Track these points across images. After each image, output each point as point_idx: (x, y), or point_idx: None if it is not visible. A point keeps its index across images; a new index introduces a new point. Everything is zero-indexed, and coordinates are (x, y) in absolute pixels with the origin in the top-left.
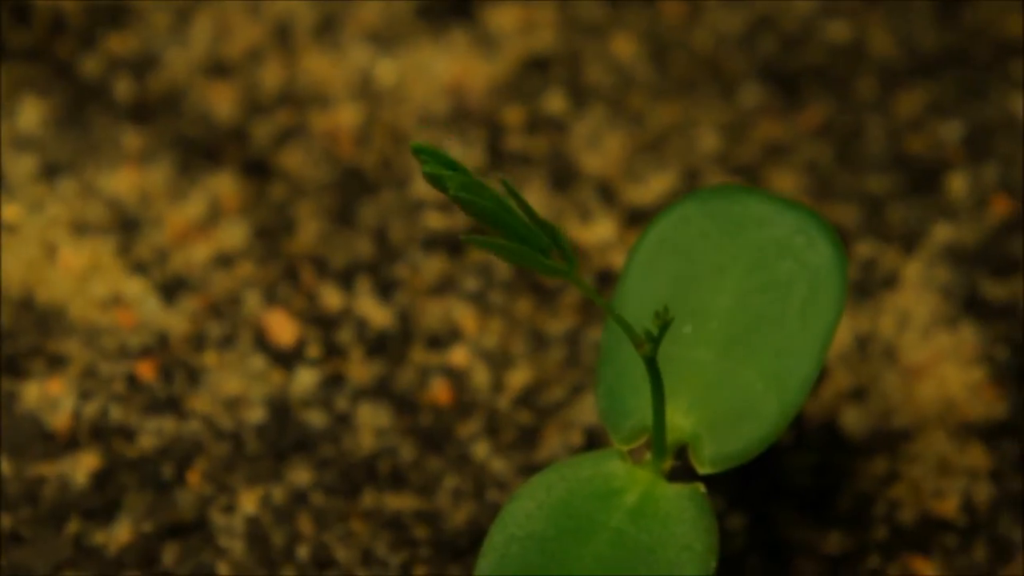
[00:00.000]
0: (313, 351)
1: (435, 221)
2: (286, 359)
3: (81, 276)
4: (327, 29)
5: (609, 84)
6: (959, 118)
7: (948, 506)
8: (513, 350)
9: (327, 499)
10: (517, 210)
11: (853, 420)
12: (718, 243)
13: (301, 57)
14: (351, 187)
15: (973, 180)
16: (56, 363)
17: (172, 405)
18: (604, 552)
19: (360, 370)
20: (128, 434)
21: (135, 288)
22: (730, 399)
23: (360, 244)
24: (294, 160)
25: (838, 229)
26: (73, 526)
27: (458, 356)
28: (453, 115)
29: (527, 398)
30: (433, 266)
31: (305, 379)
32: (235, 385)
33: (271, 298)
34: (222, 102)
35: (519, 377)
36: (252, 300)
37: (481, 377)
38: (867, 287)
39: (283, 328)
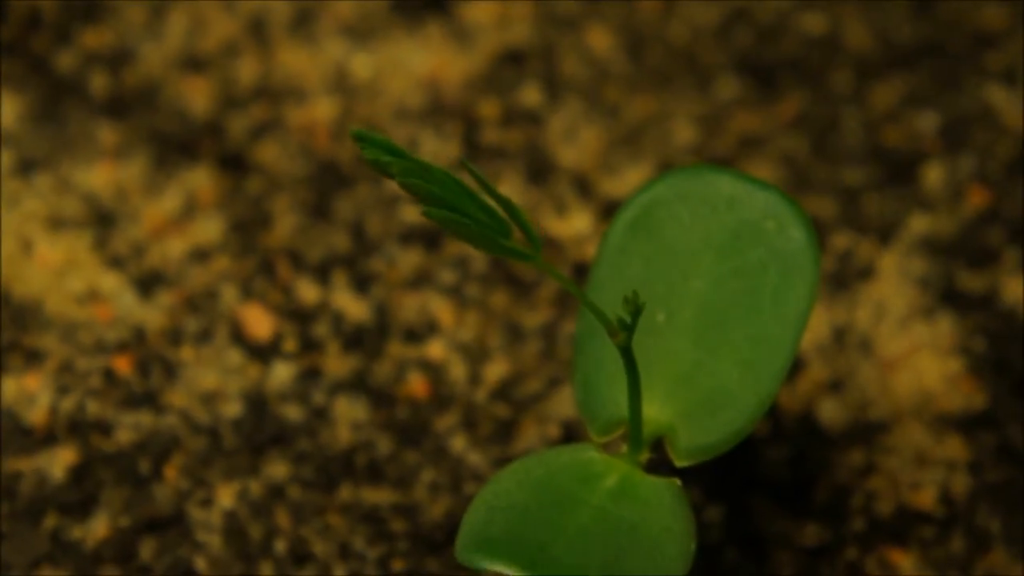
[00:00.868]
0: (290, 345)
1: (411, 215)
2: (263, 353)
3: (57, 271)
4: (302, 23)
5: (585, 77)
6: (935, 109)
7: (925, 498)
8: (490, 343)
9: (304, 493)
10: (477, 195)
11: (830, 412)
12: (690, 226)
13: (276, 51)
14: (327, 181)
15: (949, 171)
16: (33, 358)
17: (149, 399)
18: (587, 524)
19: (337, 364)
20: (105, 429)
21: (111, 283)
22: (705, 390)
23: (336, 238)
24: (270, 154)
25: (814, 221)
26: (50, 521)
27: (435, 349)
28: (429, 109)
29: (504, 391)
30: (409, 260)
31: (282, 373)
32: (212, 379)
33: (247, 292)
34: (197, 97)
35: (496, 370)
36: (228, 294)
37: (458, 370)
38: (843, 279)
39: (259, 322)
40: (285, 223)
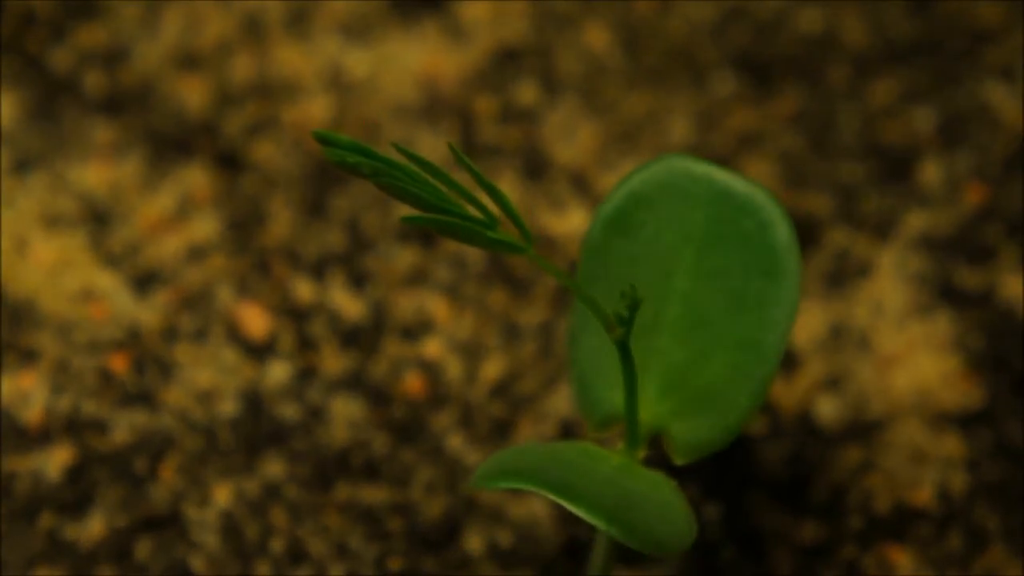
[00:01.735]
0: (286, 344)
1: (407, 213)
2: (259, 352)
3: (52, 270)
4: (298, 21)
5: (581, 74)
6: (932, 106)
7: (923, 495)
8: (487, 342)
9: (301, 492)
10: (460, 188)
11: (828, 410)
12: (668, 224)
13: (272, 49)
14: (323, 179)
15: (947, 168)
16: (28, 357)
17: (145, 398)
18: (604, 476)
19: (333, 362)
20: (101, 428)
21: (107, 281)
22: (696, 387)
23: (332, 236)
24: (265, 152)
25: (812, 218)
26: (46, 520)
27: (431, 348)
28: (425, 106)
29: (501, 390)
30: (406, 258)
31: (278, 372)
32: (208, 378)
33: (243, 291)
34: (193, 95)
35: (493, 369)
36: (224, 293)
37: (455, 369)
38: (841, 276)
39: (255, 321)
40: (281, 221)
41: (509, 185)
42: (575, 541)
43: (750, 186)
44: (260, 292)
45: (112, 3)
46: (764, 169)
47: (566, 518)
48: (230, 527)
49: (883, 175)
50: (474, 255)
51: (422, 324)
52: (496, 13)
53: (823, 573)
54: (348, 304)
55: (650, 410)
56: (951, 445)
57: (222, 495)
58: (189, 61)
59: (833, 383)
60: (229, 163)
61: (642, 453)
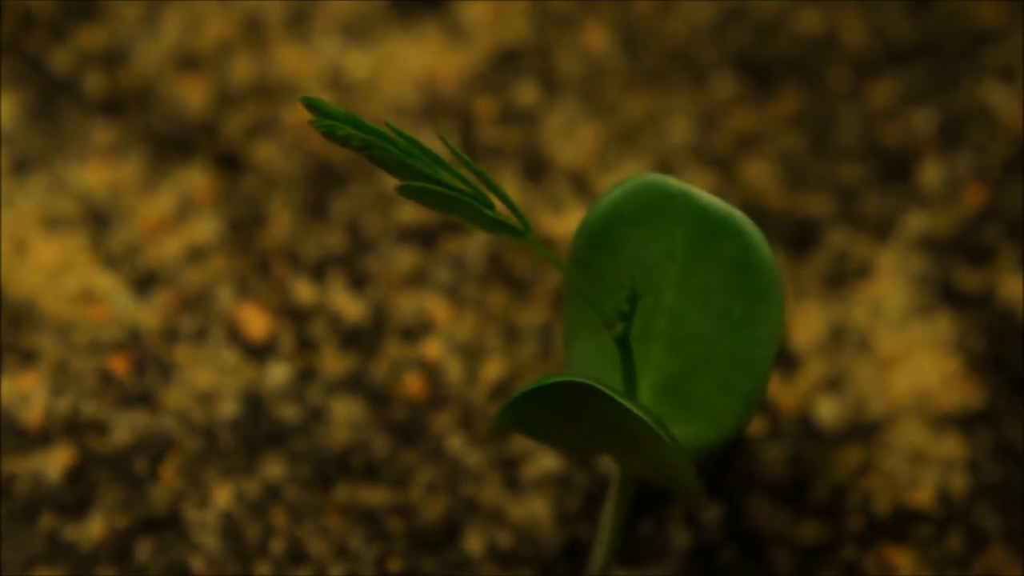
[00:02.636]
0: (286, 345)
1: (407, 214)
2: (259, 353)
3: (52, 271)
4: (298, 21)
5: (581, 75)
6: (932, 107)
7: (923, 496)
8: (487, 343)
9: (301, 493)
10: (452, 167)
11: (828, 411)
12: (650, 239)
13: (272, 50)
14: (323, 180)
15: (947, 169)
16: (28, 358)
17: (145, 400)
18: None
19: (333, 363)
20: (101, 429)
21: (107, 283)
22: (688, 396)
23: (332, 237)
24: (265, 153)
25: (811, 218)
26: (46, 521)
27: (432, 349)
28: (425, 107)
29: (501, 391)
30: (406, 259)
31: (278, 373)
32: (208, 379)
33: (243, 292)
34: (193, 95)
35: (493, 370)
36: (224, 294)
37: (455, 370)
38: (841, 277)
39: (256, 322)
40: (281, 222)
41: (509, 186)
42: (575, 542)
43: (727, 207)
44: (260, 293)
45: (112, 4)
46: (764, 170)
47: (566, 519)
48: (230, 528)
49: (883, 176)
50: (474, 256)
51: (422, 325)
52: (496, 14)
53: (823, 574)
54: (348, 305)
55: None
56: (951, 446)
57: (222, 496)
58: (189, 62)
59: (833, 384)
60: (229, 164)
61: None
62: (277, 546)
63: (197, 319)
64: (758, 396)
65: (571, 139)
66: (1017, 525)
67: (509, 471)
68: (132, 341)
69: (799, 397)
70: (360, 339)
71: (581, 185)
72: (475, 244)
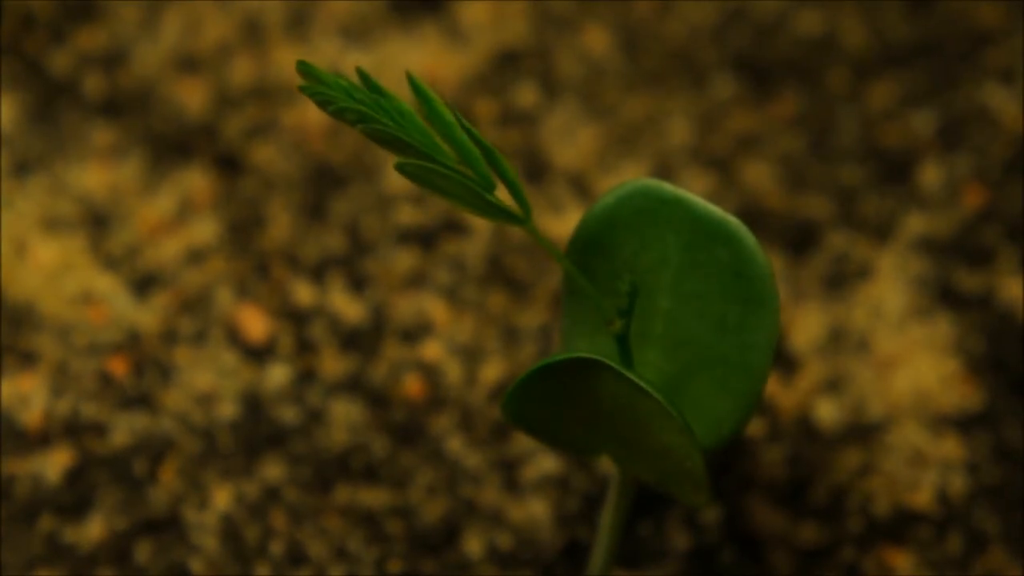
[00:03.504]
0: (285, 346)
1: (407, 215)
2: (258, 354)
3: (52, 273)
4: (297, 23)
5: (581, 76)
6: (932, 108)
7: (922, 498)
8: (486, 344)
9: (300, 495)
10: (451, 136)
11: (827, 412)
12: (644, 244)
13: (271, 51)
14: (322, 182)
15: (946, 170)
16: (27, 360)
17: (144, 401)
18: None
19: (332, 365)
20: (100, 431)
21: (106, 284)
22: (688, 397)
23: (332, 239)
24: (265, 155)
25: (811, 220)
26: (46, 523)
27: (431, 350)
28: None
29: (500, 392)
30: (405, 260)
31: (277, 374)
32: (207, 381)
33: (243, 293)
34: (192, 97)
35: (492, 371)
36: (224, 296)
37: (454, 371)
38: (840, 278)
39: (255, 323)
40: (280, 224)
41: None
42: (575, 544)
43: (721, 213)
44: (260, 295)
45: (112, 5)
46: (763, 171)
47: (566, 520)
48: (230, 529)
49: (882, 177)
50: (473, 258)
51: (421, 327)
52: (496, 15)
53: (822, 575)
54: (347, 307)
55: None
56: (950, 447)
57: (222, 497)
58: (189, 63)
59: (832, 385)
60: (229, 166)
61: None
62: (276, 548)
63: (196, 321)
64: (755, 399)
65: (570, 140)
66: (1016, 526)
67: (509, 473)
68: (131, 342)
69: (799, 398)
70: (359, 341)
71: (580, 186)
72: (474, 246)
